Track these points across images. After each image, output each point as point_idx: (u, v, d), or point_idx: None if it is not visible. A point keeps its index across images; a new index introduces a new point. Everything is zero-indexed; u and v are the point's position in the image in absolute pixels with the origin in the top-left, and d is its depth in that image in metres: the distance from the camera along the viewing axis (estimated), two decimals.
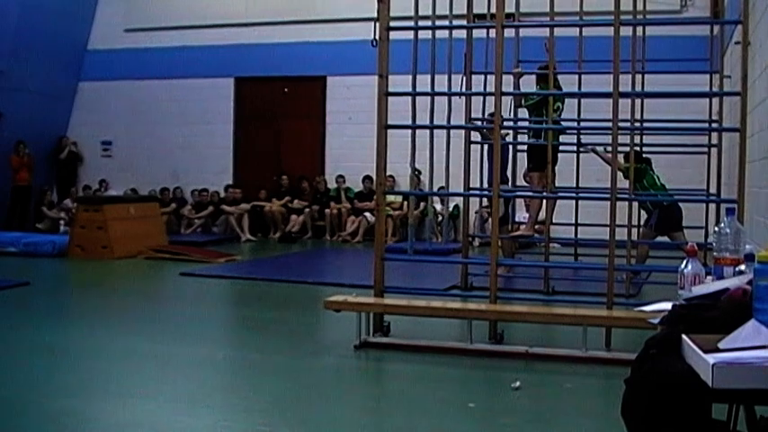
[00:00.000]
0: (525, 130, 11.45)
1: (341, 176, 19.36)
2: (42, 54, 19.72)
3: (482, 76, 10.15)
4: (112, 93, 20.22)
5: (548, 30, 10.24)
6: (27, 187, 19.77)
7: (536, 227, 12.22)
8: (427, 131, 8.60)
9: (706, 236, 10.90)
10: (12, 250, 15.50)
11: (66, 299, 11.77)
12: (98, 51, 21.23)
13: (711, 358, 2.59)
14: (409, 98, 8.40)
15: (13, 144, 19.64)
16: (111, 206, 15.45)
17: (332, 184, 19.60)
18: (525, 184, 12.05)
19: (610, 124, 7.70)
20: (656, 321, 3.36)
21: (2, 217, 19.56)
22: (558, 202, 11.70)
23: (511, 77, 10.55)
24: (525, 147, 11.48)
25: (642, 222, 11.90)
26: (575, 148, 11.88)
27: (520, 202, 13.26)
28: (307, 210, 19.34)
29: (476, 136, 10.54)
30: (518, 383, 6.42)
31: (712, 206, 11.14)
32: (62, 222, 18.92)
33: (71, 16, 20.66)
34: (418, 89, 8.42)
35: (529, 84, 11.39)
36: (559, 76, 10.91)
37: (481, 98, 10.22)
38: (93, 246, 15.14)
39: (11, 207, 19.75)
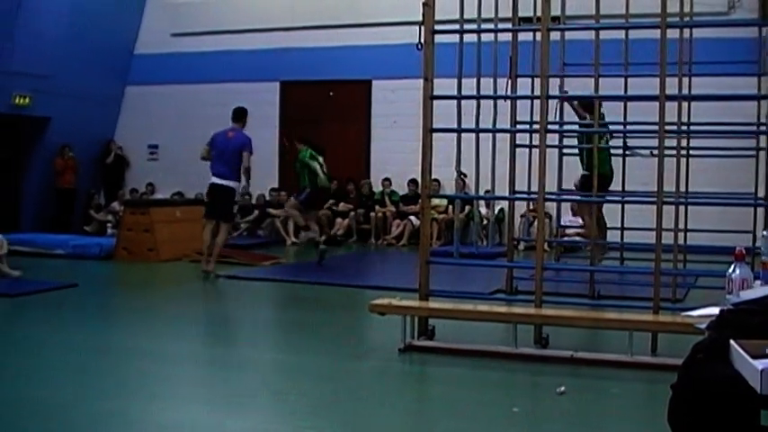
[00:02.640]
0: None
1: (387, 179, 19.35)
2: (90, 59, 19.89)
3: (527, 80, 10.10)
4: (159, 97, 20.36)
5: (593, 32, 10.20)
6: (71, 190, 19.98)
7: (581, 231, 12.17)
8: (473, 135, 8.59)
9: (754, 240, 10.78)
10: (60, 252, 15.66)
11: (112, 300, 11.89)
12: (145, 56, 21.38)
13: (760, 364, 2.57)
14: (454, 101, 8.39)
15: (58, 147, 19.89)
16: (157, 209, 15.56)
17: (377, 188, 19.59)
18: (572, 188, 12.00)
19: (656, 127, 7.64)
20: (703, 326, 3.33)
21: (48, 220, 19.78)
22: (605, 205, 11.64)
23: (557, 80, 10.52)
24: (571, 151, 11.47)
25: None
26: (621, 151, 11.81)
27: (565, 207, 13.19)
28: (352, 213, 19.36)
29: (521, 139, 10.47)
30: (563, 388, 6.39)
31: (760, 210, 11.02)
32: (109, 225, 19.07)
33: (118, 22, 20.83)
34: (463, 93, 8.41)
35: (573, 87, 11.32)
36: (607, 79, 10.83)
37: (526, 102, 10.16)
38: (139, 248, 15.26)
39: (56, 209, 19.98)
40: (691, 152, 11.71)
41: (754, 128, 11.40)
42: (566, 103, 10.91)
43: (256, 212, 19.73)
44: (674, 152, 10.18)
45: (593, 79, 10.36)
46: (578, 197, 11.56)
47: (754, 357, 2.65)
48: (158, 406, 6.19)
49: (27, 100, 18.91)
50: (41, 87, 18.98)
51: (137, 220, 15.52)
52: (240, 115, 13.64)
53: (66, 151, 19.83)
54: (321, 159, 15.34)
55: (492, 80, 9.00)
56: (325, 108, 20.24)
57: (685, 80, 10.83)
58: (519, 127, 10.07)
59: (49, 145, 19.99)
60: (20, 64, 18.34)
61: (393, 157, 19.02)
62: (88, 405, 6.11)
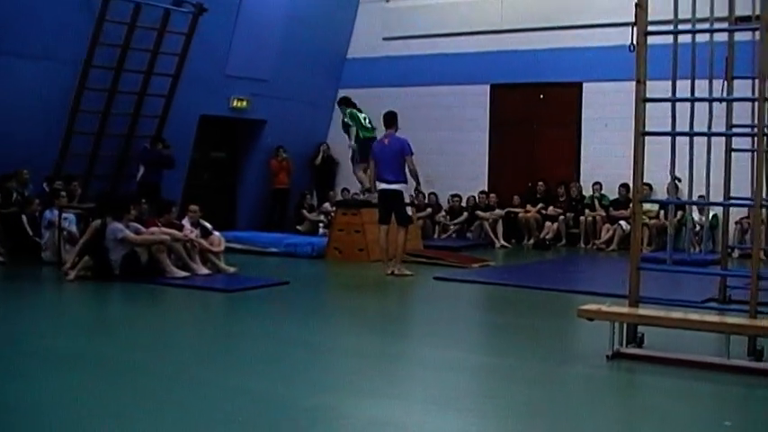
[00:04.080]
0: None
1: (597, 183, 19.06)
2: (305, 63, 20.43)
3: (745, 81, 9.77)
4: (370, 100, 20.39)
5: None
6: (285, 190, 20.56)
7: None
8: (686, 139, 8.38)
9: None
10: (274, 251, 16.16)
11: (322, 298, 12.27)
12: (357, 60, 21.74)
13: None
14: (667, 104, 8.21)
15: (273, 149, 20.55)
16: (368, 210, 15.70)
17: (587, 191, 19.31)
18: None
19: None
20: None
21: (263, 219, 20.42)
22: None
23: None
24: None
25: None
26: None
27: None
28: (561, 217, 19.18)
29: (737, 143, 10.12)
30: None
31: None
32: (321, 225, 19.43)
33: (332, 27, 21.27)
34: (677, 95, 8.22)
35: None
36: None
37: (743, 104, 9.83)
38: (350, 248, 15.57)
39: (270, 209, 20.64)
40: None
41: None
42: None
43: (465, 214, 19.78)
44: None
45: None
46: None
47: None
48: (368, 402, 6.32)
49: (244, 103, 19.61)
50: (258, 91, 19.65)
51: (348, 220, 15.83)
52: (391, 120, 13.94)
53: (281, 152, 20.42)
54: (362, 115, 16.15)
55: (707, 82, 8.75)
56: (536, 111, 20.12)
57: None
58: (735, 130, 9.76)
59: (265, 146, 20.67)
60: (238, 68, 19.04)
61: (604, 160, 18.71)
62: (298, 399, 6.30)
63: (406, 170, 13.57)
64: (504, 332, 9.52)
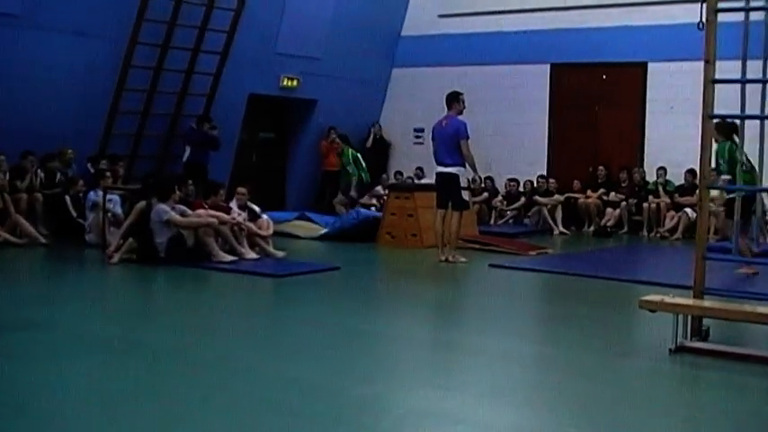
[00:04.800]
0: None
1: (661, 168, 18.57)
2: (358, 41, 20.12)
3: None
4: (425, 79, 20.26)
5: None
6: (335, 172, 20.14)
7: None
8: (757, 122, 8.04)
9: None
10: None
11: (373, 285, 12.13)
12: (411, 38, 21.39)
13: None
14: (737, 86, 7.86)
15: (324, 130, 20.28)
16: (422, 194, 15.44)
17: (651, 177, 18.84)
18: None
19: None
20: None
21: (312, 201, 20.21)
22: None
23: None
24: None
25: None
26: None
27: None
28: (623, 203, 18.71)
29: None
30: None
31: None
32: (373, 209, 19.13)
33: (386, 3, 20.95)
34: (748, 76, 7.83)
35: None
36: None
37: None
38: (402, 233, 15.29)
39: (320, 191, 20.38)
40: None
41: None
42: None
43: (523, 200, 19.40)
44: None
45: None
46: None
47: None
48: (418, 392, 6.28)
49: (295, 82, 19.39)
50: (309, 70, 19.43)
51: (401, 204, 15.53)
52: (450, 101, 13.51)
53: (331, 133, 20.06)
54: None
55: None
56: (598, 92, 19.69)
57: None
58: None
59: (315, 127, 20.46)
60: (288, 46, 18.86)
61: (669, 144, 18.25)
62: (346, 389, 6.26)
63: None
64: (561, 322, 9.27)
